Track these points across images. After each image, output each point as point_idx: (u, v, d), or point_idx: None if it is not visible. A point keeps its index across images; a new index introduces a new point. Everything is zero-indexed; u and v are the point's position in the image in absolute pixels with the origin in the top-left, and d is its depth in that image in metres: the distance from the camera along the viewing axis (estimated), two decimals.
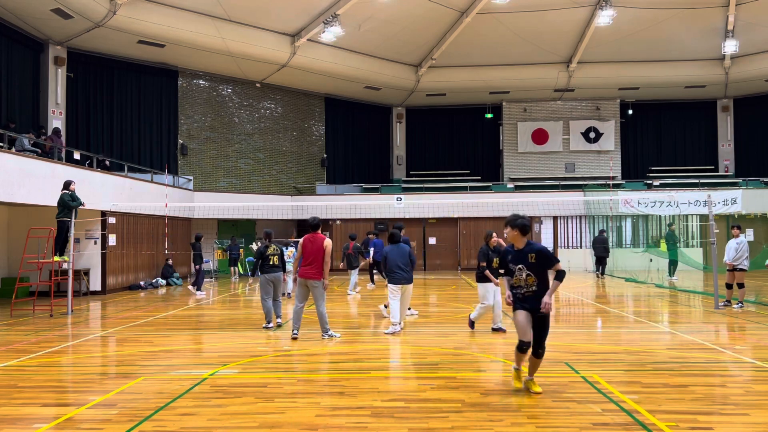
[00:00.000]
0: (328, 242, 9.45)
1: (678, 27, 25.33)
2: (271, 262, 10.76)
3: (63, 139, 19.30)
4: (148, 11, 20.56)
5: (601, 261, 21.88)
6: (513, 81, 28.74)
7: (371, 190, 28.61)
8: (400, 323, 9.98)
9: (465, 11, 24.52)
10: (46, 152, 16.68)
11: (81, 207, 13.59)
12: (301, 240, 9.72)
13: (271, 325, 10.66)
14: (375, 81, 27.93)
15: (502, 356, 8.13)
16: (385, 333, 9.91)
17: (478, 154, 31.76)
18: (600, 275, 21.72)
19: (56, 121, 20.46)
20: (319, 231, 9.67)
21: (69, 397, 6.43)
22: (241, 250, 24.06)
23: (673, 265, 20.52)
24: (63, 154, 17.63)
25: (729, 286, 12.90)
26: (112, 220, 17.77)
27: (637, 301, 14.79)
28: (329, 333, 9.54)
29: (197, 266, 17.44)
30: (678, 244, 23.65)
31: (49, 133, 18.94)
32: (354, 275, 17.32)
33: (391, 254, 9.91)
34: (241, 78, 25.98)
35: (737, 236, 12.76)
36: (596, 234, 23.15)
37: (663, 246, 22.66)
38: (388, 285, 10.02)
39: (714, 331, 10.11)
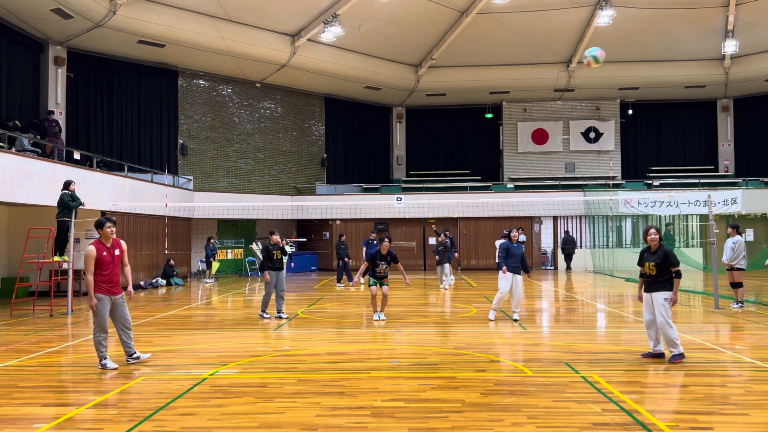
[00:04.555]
0: (86, 250, 7.50)
1: (678, 27, 25.32)
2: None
3: (63, 137, 19.28)
4: (148, 11, 20.55)
5: (569, 257, 25.43)
6: (513, 81, 28.73)
7: (371, 190, 28.60)
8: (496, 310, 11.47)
9: (465, 11, 24.51)
10: (45, 153, 16.67)
11: (81, 207, 13.60)
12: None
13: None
14: (375, 81, 27.93)
15: (501, 356, 8.13)
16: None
17: (478, 154, 31.75)
18: (568, 270, 25.32)
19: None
20: (100, 234, 7.59)
21: (69, 397, 6.43)
22: (220, 251, 24.21)
23: None
24: (63, 154, 17.63)
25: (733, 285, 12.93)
26: None
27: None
28: (134, 356, 7.86)
29: (341, 261, 19.32)
30: (677, 245, 23.80)
31: (48, 128, 18.92)
32: (445, 269, 18.55)
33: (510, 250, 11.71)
34: (241, 78, 25.97)
35: (733, 236, 12.79)
36: (563, 236, 26.46)
37: None
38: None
39: (714, 331, 10.11)
